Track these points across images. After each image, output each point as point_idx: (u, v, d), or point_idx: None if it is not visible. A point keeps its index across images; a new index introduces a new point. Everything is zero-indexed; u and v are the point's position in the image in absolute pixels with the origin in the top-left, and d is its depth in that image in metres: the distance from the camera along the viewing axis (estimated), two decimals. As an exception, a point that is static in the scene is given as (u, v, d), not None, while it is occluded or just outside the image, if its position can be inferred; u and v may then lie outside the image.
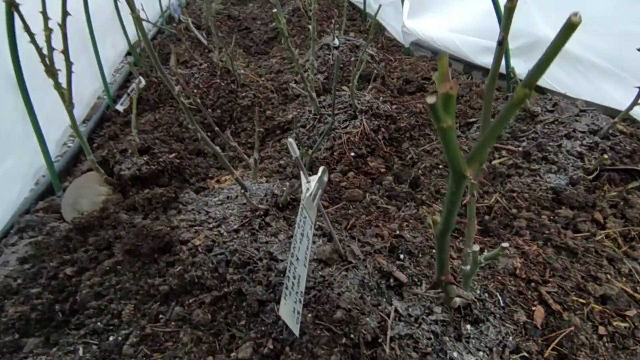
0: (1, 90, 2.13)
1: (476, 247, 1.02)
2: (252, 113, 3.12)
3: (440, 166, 2.12)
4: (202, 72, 3.31)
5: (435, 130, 2.49)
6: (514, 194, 1.81)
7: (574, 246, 1.57)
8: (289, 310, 0.95)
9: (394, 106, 2.62)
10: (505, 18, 0.92)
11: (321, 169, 1.30)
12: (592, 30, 2.22)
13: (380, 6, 2.72)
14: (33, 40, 1.68)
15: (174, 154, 2.23)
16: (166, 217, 1.89)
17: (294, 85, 2.94)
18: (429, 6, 3.49)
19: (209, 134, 2.98)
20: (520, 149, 1.97)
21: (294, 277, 1.00)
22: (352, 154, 2.27)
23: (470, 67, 3.37)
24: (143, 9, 4.19)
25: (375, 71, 3.32)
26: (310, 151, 1.79)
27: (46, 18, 1.77)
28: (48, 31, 1.76)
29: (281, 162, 2.49)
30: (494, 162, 1.97)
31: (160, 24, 5.47)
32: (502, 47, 0.94)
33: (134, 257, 1.67)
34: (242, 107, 3.14)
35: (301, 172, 1.25)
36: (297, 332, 0.98)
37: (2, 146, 2.15)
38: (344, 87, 3.46)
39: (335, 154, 2.30)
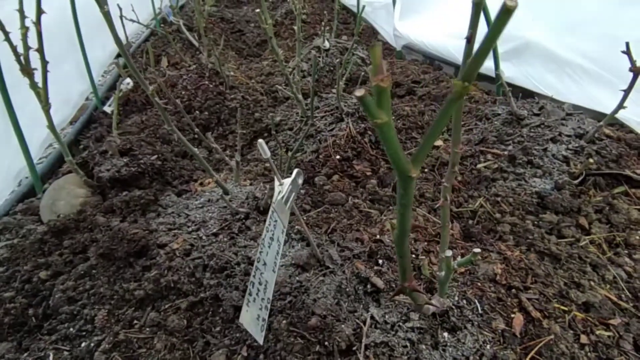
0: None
1: (449, 253, 0.99)
2: (240, 115, 3.09)
3: (426, 169, 2.09)
4: (191, 74, 3.29)
5: (423, 134, 2.47)
6: (499, 199, 1.78)
7: (558, 252, 1.54)
8: (252, 318, 0.91)
9: (382, 109, 2.60)
10: (473, 14, 0.89)
11: (295, 171, 1.27)
12: (580, 33, 2.21)
13: (364, 6, 2.70)
14: (8, 38, 1.65)
15: (155, 156, 2.19)
16: (145, 220, 1.85)
17: (281, 87, 2.92)
18: (419, 8, 3.48)
19: (196, 136, 2.96)
20: (505, 152, 1.94)
21: (260, 283, 0.97)
22: (338, 157, 2.24)
23: (461, 71, 3.36)
24: (134, 10, 4.18)
25: (364, 73, 3.30)
26: (290, 153, 1.76)
27: (23, 16, 1.74)
28: (24, 29, 1.73)
29: (267, 164, 2.46)
30: (479, 165, 1.94)
31: (154, 26, 5.44)
32: (470, 44, 0.91)
33: (108, 260, 1.64)
34: (230, 109, 3.11)
35: (274, 174, 1.22)
36: (261, 341, 0.94)
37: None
38: (334, 90, 3.44)
39: (320, 156, 2.27)
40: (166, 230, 1.79)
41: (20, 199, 2.38)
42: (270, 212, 1.09)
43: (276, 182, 1.21)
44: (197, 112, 3.06)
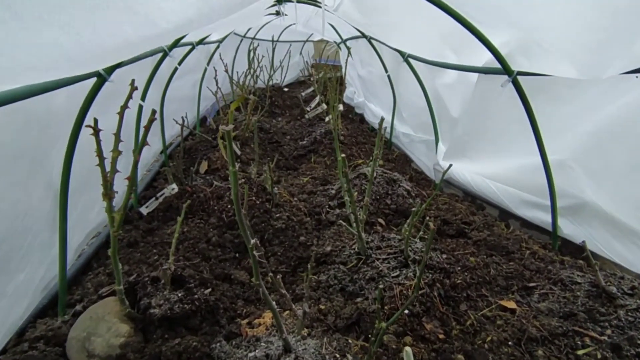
0: (40, 200, 1.98)
1: None
2: (284, 237, 2.96)
3: (510, 343, 1.86)
4: (239, 188, 3.24)
5: (492, 291, 2.29)
6: (614, 402, 1.53)
7: None
8: None
9: (444, 256, 2.47)
10: None
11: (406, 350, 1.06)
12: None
13: (442, 174, 2.77)
14: (102, 164, 1.59)
15: (209, 290, 1.98)
16: (195, 378, 1.56)
17: (344, 223, 2.83)
18: (467, 153, 3.61)
19: (237, 255, 2.78)
20: (605, 338, 1.75)
21: None
22: (406, 311, 2.03)
23: (506, 215, 3.34)
24: (183, 117, 4.35)
25: (414, 208, 3.26)
26: (384, 325, 1.53)
27: (118, 140, 1.71)
28: (117, 153, 1.68)
29: (321, 306, 2.22)
30: (578, 352, 1.73)
31: (193, 127, 5.68)
32: None
33: None
34: (275, 230, 2.98)
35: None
36: None
37: (20, 259, 1.91)
38: (380, 220, 3.37)
39: (385, 307, 2.06)
40: (220, 397, 1.50)
41: (38, 314, 2.10)
42: None
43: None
44: (242, 229, 2.93)
